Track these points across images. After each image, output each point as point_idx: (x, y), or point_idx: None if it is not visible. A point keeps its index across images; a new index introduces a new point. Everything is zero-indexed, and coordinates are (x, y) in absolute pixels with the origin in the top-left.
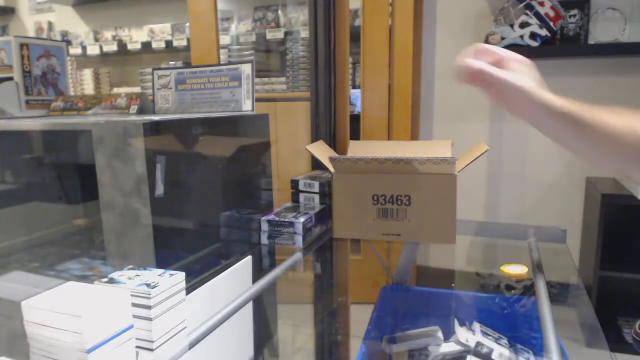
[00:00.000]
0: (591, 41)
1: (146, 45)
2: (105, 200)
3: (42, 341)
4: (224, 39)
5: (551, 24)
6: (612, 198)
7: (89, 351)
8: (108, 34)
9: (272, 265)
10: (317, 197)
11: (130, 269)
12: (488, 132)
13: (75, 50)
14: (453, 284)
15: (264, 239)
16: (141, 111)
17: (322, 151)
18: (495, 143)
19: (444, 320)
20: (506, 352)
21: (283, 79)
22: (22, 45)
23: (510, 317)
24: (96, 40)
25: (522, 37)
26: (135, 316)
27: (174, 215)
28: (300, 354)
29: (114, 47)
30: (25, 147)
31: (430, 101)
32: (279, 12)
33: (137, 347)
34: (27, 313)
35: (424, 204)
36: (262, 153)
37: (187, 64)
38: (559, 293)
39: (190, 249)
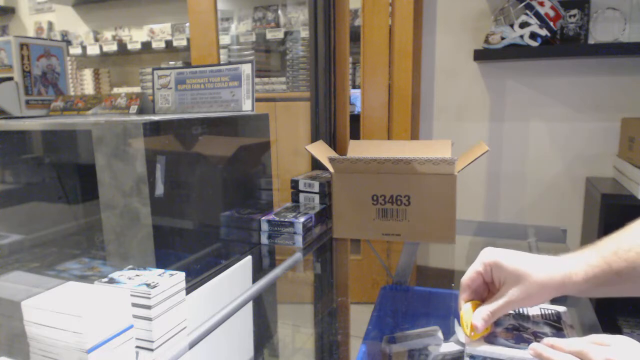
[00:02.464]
0: (591, 41)
1: (146, 45)
2: (105, 200)
3: (42, 341)
4: (224, 39)
5: (551, 24)
6: (612, 198)
7: (89, 351)
8: (108, 34)
9: (272, 265)
10: (317, 197)
11: (130, 269)
12: (488, 132)
13: (75, 50)
14: (453, 284)
15: (264, 239)
16: (141, 111)
17: (322, 151)
18: (495, 143)
19: (444, 320)
20: None
21: (283, 79)
22: (22, 45)
23: None
24: (96, 40)
25: (522, 37)
26: (135, 316)
27: (174, 215)
28: (300, 354)
29: (114, 47)
30: (25, 147)
31: (430, 101)
32: (279, 12)
33: (137, 347)
34: (27, 313)
35: (423, 204)
36: (262, 153)
37: (187, 64)
38: None
39: (190, 249)
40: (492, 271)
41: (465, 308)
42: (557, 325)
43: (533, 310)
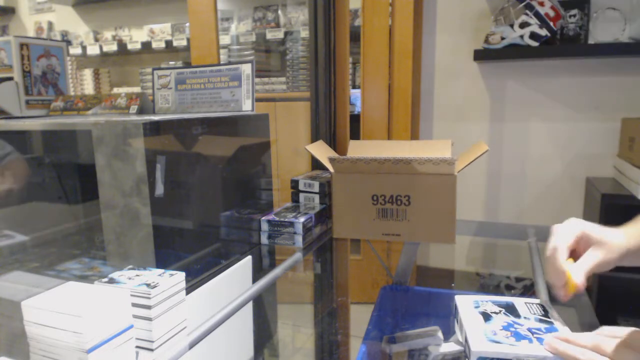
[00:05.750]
0: (591, 41)
1: (146, 45)
2: (105, 200)
3: (42, 341)
4: (224, 39)
5: (551, 24)
6: (612, 198)
7: (89, 351)
8: (108, 34)
9: (272, 265)
10: (317, 197)
11: (130, 269)
12: (488, 132)
13: (75, 50)
14: (453, 284)
15: (264, 239)
16: (141, 111)
17: (322, 151)
18: (495, 143)
19: (444, 320)
20: None
21: (283, 79)
22: (22, 45)
23: None
24: (96, 40)
25: (522, 37)
26: (135, 316)
27: (174, 215)
28: (300, 354)
29: (114, 47)
30: (25, 147)
31: (430, 101)
32: (279, 12)
33: (137, 347)
34: (27, 313)
35: (423, 204)
36: (262, 153)
37: (187, 64)
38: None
39: (190, 249)
40: (578, 238)
41: (570, 267)
42: (547, 320)
43: (520, 307)
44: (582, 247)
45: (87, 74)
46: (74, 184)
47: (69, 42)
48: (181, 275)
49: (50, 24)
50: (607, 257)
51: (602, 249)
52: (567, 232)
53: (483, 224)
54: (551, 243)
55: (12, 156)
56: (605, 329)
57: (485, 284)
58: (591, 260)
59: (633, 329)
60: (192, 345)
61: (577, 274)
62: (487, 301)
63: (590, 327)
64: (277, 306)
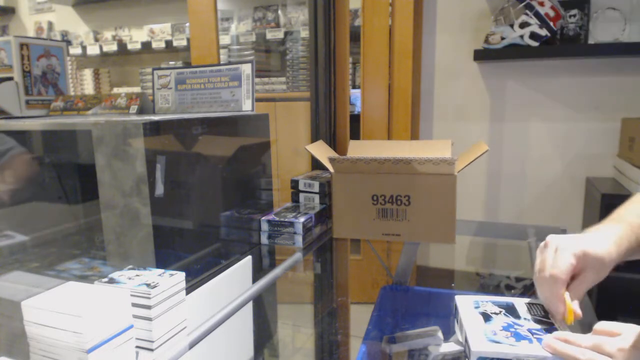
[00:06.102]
0: (591, 41)
1: (146, 45)
2: (105, 200)
3: (42, 341)
4: (224, 39)
5: (551, 24)
6: (612, 198)
7: (89, 351)
8: (108, 34)
9: (272, 265)
10: (317, 197)
11: (130, 269)
12: (488, 132)
13: (75, 50)
14: (453, 284)
15: (264, 239)
16: (141, 111)
17: (322, 151)
18: (495, 143)
19: (444, 320)
20: None
21: (283, 79)
22: (22, 45)
23: None
24: (96, 40)
25: (522, 37)
26: (135, 316)
27: (174, 215)
28: (300, 354)
29: (114, 47)
30: (25, 147)
31: (430, 101)
32: (279, 12)
33: (137, 347)
34: (27, 313)
35: (423, 204)
36: (262, 153)
37: (187, 64)
38: None
39: (190, 249)
40: (578, 260)
41: (570, 299)
42: (547, 320)
43: (520, 307)
44: (580, 265)
45: (87, 74)
46: (74, 184)
47: (69, 42)
48: (181, 275)
49: (50, 24)
50: (601, 275)
51: (597, 270)
52: (567, 259)
53: (483, 224)
54: (548, 265)
55: (15, 151)
56: (604, 324)
57: (485, 284)
58: (587, 285)
59: (631, 325)
60: (192, 345)
61: (576, 304)
62: (487, 301)
63: (590, 327)
64: (277, 306)
